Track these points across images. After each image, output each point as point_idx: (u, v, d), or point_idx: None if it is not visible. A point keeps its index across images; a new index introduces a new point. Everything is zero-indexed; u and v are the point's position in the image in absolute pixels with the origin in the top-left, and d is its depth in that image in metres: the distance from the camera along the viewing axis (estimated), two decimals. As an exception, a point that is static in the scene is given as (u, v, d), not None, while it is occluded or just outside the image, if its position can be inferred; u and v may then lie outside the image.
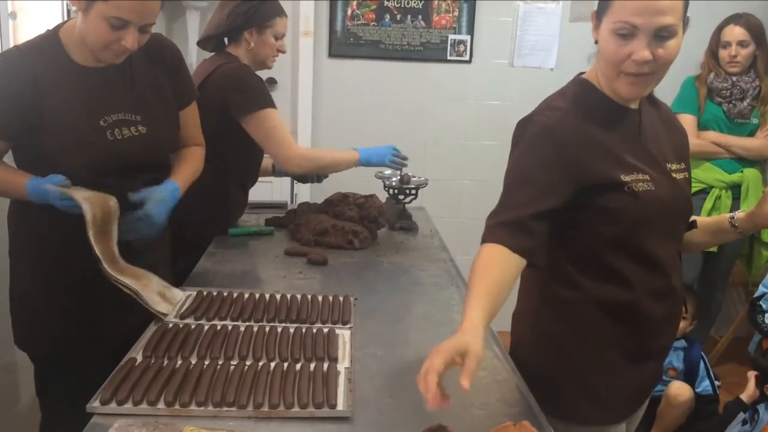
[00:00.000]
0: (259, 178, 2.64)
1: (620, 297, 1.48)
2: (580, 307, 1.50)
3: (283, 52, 2.46)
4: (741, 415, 2.82)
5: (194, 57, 3.70)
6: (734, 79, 3.37)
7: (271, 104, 2.29)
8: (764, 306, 3.12)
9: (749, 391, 2.83)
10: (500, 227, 1.37)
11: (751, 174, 3.41)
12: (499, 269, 1.32)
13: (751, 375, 2.86)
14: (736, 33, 3.35)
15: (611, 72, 1.43)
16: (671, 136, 1.58)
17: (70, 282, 1.74)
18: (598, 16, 1.44)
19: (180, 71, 1.91)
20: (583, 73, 1.55)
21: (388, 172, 2.73)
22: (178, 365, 1.41)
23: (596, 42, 1.45)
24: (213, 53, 2.43)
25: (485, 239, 1.38)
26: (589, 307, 1.49)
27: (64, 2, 2.91)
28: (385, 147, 2.50)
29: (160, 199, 1.74)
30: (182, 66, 1.92)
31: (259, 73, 2.39)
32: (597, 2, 1.45)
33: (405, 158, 2.53)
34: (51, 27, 1.74)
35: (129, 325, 1.67)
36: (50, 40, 1.69)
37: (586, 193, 1.41)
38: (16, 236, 1.81)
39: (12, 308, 1.83)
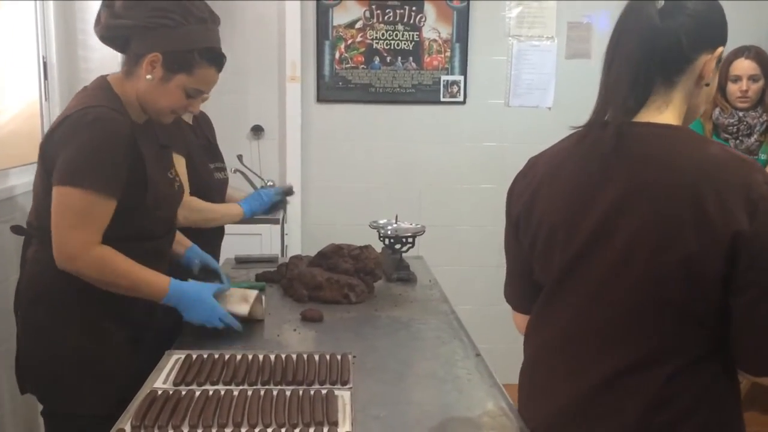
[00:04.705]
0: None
1: None
2: None
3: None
4: None
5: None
6: (741, 114, 3.40)
7: (178, 150, 2.32)
8: None
9: None
10: None
11: (761, 211, 3.42)
12: None
13: None
14: (746, 67, 3.36)
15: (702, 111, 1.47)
16: None
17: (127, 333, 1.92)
18: (718, 62, 1.39)
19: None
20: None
21: (383, 221, 2.75)
22: (169, 435, 1.40)
23: (707, 84, 1.39)
24: None
25: None
26: None
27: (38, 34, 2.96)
28: (262, 190, 2.64)
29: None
30: None
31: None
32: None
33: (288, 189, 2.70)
34: (93, 83, 1.91)
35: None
36: (113, 97, 1.85)
37: None
38: (62, 292, 1.83)
39: (53, 368, 1.85)
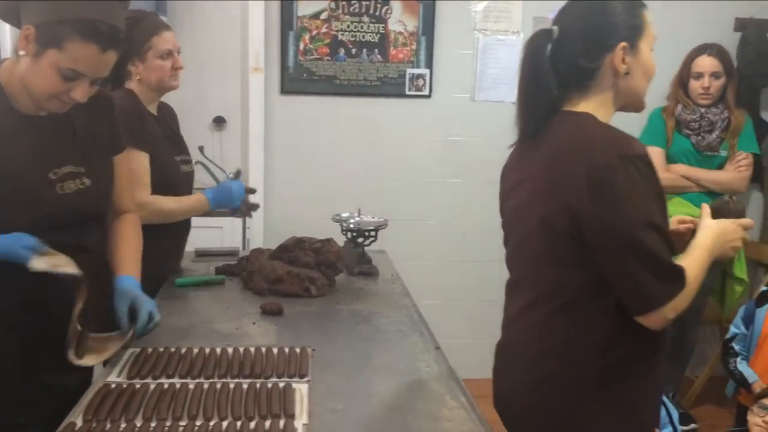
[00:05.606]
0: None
1: None
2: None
3: (179, 68, 2.44)
4: None
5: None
6: (703, 110, 3.47)
7: (138, 146, 2.28)
8: (736, 348, 3.15)
9: None
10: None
11: (721, 208, 3.49)
12: None
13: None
14: (708, 64, 3.44)
15: (646, 86, 1.63)
16: None
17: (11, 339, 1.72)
18: (633, 40, 1.57)
19: (113, 119, 1.94)
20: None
21: (345, 214, 2.75)
22: (122, 429, 1.39)
23: (626, 72, 1.57)
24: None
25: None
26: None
27: None
28: (235, 184, 2.57)
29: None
30: (115, 113, 1.95)
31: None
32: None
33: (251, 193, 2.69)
34: None
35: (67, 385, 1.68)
36: None
37: None
38: None
39: None
